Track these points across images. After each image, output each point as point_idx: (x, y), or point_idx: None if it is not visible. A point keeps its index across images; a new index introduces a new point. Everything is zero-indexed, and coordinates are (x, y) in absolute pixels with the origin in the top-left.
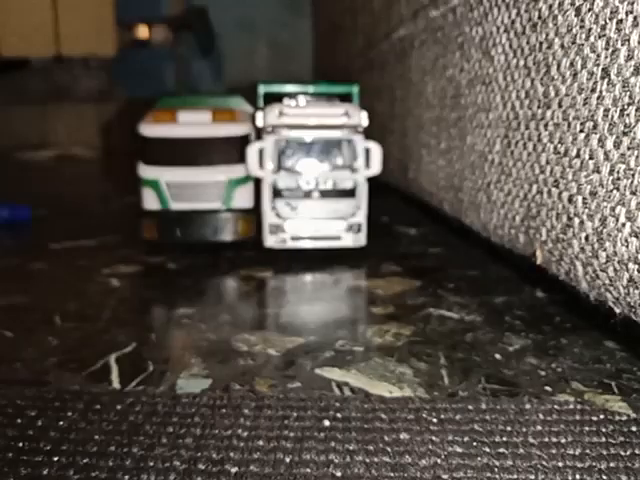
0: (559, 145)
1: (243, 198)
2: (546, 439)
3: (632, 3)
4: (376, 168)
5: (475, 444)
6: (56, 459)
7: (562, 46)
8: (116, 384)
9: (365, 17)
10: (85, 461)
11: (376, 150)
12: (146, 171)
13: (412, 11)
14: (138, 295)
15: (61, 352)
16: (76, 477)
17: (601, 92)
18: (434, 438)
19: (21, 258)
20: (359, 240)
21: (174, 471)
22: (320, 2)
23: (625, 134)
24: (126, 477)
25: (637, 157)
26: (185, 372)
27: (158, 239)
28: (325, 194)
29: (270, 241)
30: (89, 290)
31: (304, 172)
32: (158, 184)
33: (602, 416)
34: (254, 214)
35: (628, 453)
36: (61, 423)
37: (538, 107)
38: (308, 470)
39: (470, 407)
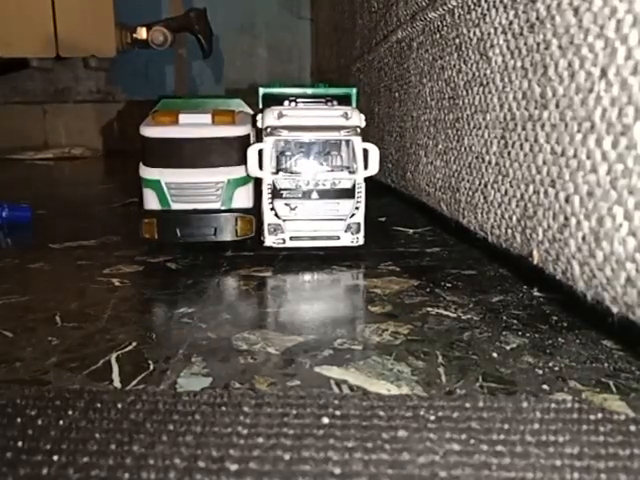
0: (556, 145)
1: (242, 198)
2: (544, 437)
3: (631, 2)
4: (374, 169)
5: (473, 442)
6: (56, 458)
7: (560, 47)
8: (117, 383)
9: (364, 19)
10: (85, 460)
11: (374, 151)
12: (147, 172)
13: (410, 13)
14: (138, 294)
15: (61, 351)
16: (76, 476)
17: (599, 92)
18: (432, 436)
19: (21, 258)
20: (357, 240)
21: (174, 469)
22: (319, 4)
23: (623, 134)
24: (126, 475)
25: (635, 157)
26: (185, 370)
27: (158, 239)
28: (324, 194)
29: (269, 241)
30: (90, 290)
31: (303, 173)
32: (159, 184)
33: (600, 415)
34: (253, 214)
35: (627, 453)
36: (61, 422)
37: (535, 108)
38: (307, 467)
39: (467, 405)
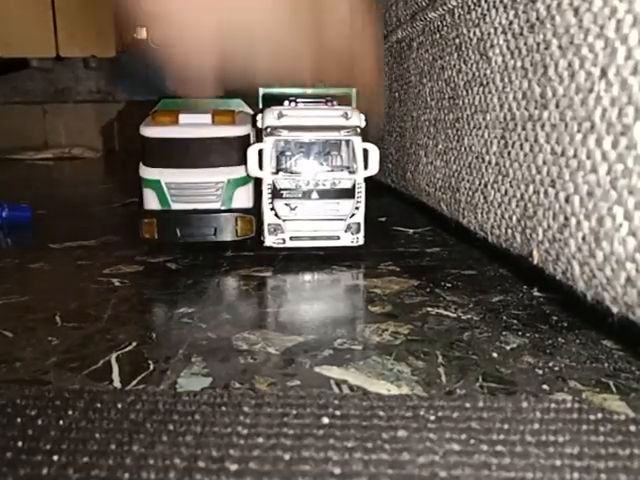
0: (556, 145)
1: (242, 198)
2: (544, 437)
3: (631, 2)
4: (374, 169)
5: (472, 442)
6: (56, 458)
7: (560, 47)
8: (117, 383)
9: None
10: (85, 460)
11: (374, 151)
12: (147, 172)
13: (410, 13)
14: (138, 294)
15: (61, 351)
16: (76, 476)
17: (599, 92)
18: (432, 436)
19: (21, 258)
20: (357, 240)
21: (174, 469)
22: None
23: (623, 134)
24: (126, 475)
25: (635, 157)
26: (185, 370)
27: (158, 239)
28: (324, 194)
29: (269, 241)
30: (90, 290)
31: (303, 173)
32: (159, 184)
33: (600, 415)
34: (253, 214)
35: (627, 453)
36: (61, 422)
37: (535, 108)
38: (307, 467)
39: (467, 405)
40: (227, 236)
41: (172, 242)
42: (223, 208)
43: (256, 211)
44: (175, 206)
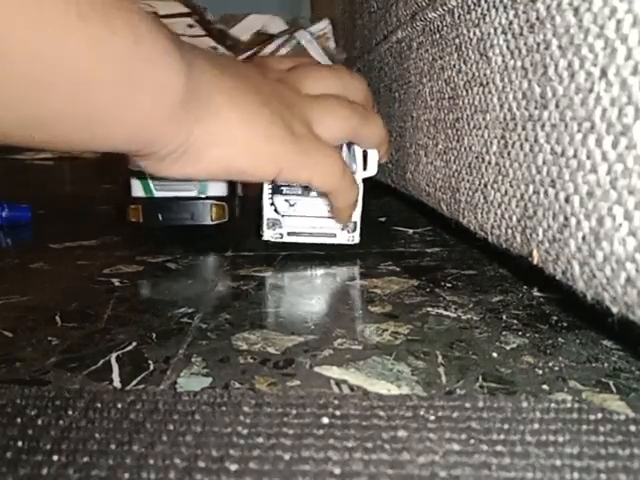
0: (556, 145)
1: (217, 187)
2: (544, 437)
3: (631, 2)
4: (373, 170)
5: (472, 442)
6: (56, 458)
7: (560, 47)
8: (117, 383)
9: (363, 19)
10: (85, 460)
11: (373, 153)
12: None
13: (410, 13)
14: (138, 294)
15: (61, 351)
16: (76, 476)
17: (599, 92)
18: (432, 436)
19: (21, 258)
20: (353, 238)
21: (174, 469)
22: (319, 4)
23: (623, 134)
24: (126, 475)
25: (635, 157)
26: (185, 370)
27: (143, 222)
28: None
29: (267, 235)
30: (89, 290)
31: None
32: (144, 174)
33: (600, 415)
34: (226, 201)
35: (627, 453)
36: (61, 422)
37: (535, 108)
38: (307, 467)
39: (467, 405)
40: (203, 220)
41: (154, 226)
42: (199, 195)
43: (230, 198)
44: (158, 194)
